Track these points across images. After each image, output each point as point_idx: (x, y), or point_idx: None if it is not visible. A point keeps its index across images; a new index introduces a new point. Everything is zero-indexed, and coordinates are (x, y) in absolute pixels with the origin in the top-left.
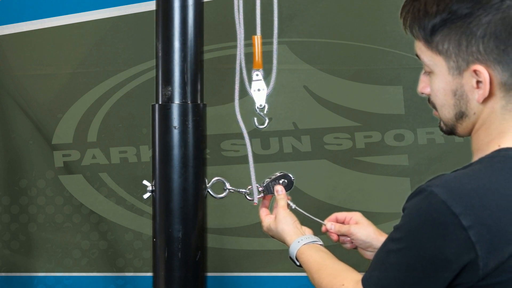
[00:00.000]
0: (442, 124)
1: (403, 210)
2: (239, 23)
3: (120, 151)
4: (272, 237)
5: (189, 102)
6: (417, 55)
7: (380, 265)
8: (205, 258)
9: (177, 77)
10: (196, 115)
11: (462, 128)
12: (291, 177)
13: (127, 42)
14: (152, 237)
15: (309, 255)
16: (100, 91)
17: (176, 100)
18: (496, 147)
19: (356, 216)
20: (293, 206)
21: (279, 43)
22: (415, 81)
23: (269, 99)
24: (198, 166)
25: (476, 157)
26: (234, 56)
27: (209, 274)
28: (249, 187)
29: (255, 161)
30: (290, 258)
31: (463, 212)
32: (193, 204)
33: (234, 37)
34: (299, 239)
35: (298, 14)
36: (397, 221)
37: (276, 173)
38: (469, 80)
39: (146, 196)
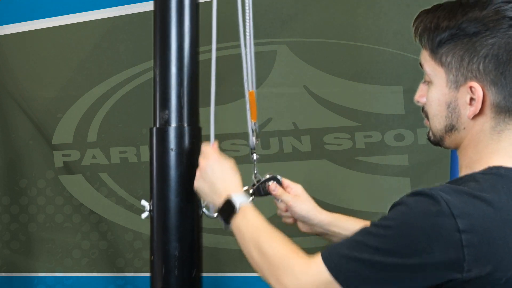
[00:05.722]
0: (430, 134)
1: (396, 204)
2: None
3: (120, 151)
4: (200, 178)
5: (185, 125)
6: (420, 64)
7: (352, 244)
8: (200, 275)
9: (173, 101)
10: (192, 137)
11: (450, 140)
12: (279, 178)
13: (127, 42)
14: (150, 255)
15: (257, 214)
16: (100, 91)
17: (173, 123)
18: (485, 166)
19: (297, 188)
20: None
21: (279, 43)
22: (415, 81)
23: (269, 99)
24: (194, 187)
25: (464, 173)
26: (233, 57)
27: (206, 274)
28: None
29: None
30: (223, 208)
31: (461, 215)
32: (189, 223)
33: (233, 37)
34: (244, 195)
35: (298, 14)
36: None
37: (266, 175)
38: (464, 95)
39: (144, 215)
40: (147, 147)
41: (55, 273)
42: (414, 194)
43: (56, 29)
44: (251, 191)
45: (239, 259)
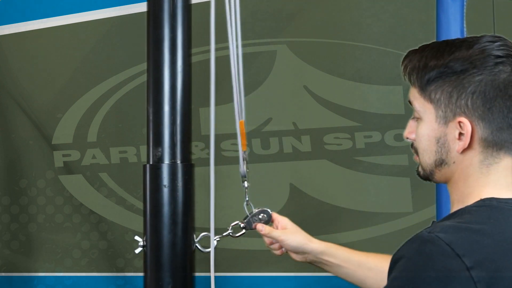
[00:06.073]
0: (420, 169)
1: (397, 259)
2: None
3: (120, 151)
4: None
5: (178, 162)
6: (409, 102)
7: None
8: None
9: (166, 139)
10: (185, 174)
11: (440, 174)
12: (269, 212)
13: (127, 42)
14: None
15: None
16: (100, 91)
17: (166, 160)
18: (477, 199)
19: (284, 221)
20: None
21: (279, 43)
22: None
23: (269, 99)
24: (186, 222)
25: (456, 207)
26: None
27: (207, 274)
28: (232, 224)
29: (255, 161)
30: None
31: (465, 254)
32: (182, 258)
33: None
34: None
35: (298, 14)
36: (396, 221)
37: (255, 210)
38: (452, 130)
39: (137, 251)
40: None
41: (55, 273)
42: (413, 241)
43: (56, 29)
44: (242, 225)
45: (244, 259)
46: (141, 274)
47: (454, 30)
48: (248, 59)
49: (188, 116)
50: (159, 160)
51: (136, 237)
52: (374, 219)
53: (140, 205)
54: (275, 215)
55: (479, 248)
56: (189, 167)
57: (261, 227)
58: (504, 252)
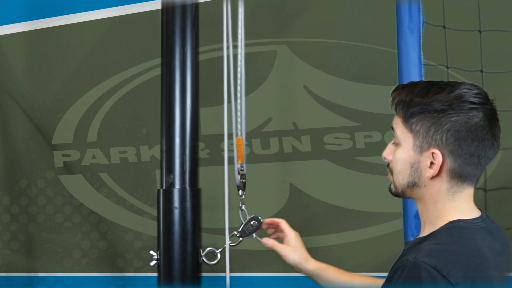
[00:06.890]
0: (392, 186)
1: (389, 286)
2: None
3: (120, 151)
4: None
5: (187, 187)
6: (392, 128)
7: None
8: None
9: (177, 167)
10: (193, 197)
11: (411, 193)
12: (259, 218)
13: (127, 42)
14: None
15: None
16: (100, 91)
17: (177, 185)
18: (446, 221)
19: (292, 238)
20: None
21: (279, 43)
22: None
23: (269, 99)
24: (194, 239)
25: (428, 228)
26: (235, 57)
27: (207, 274)
28: (230, 235)
29: (255, 161)
30: None
31: (449, 273)
32: (191, 270)
33: (234, 38)
34: None
35: (298, 14)
36: (396, 221)
37: (247, 217)
38: (425, 159)
39: (152, 263)
40: (147, 147)
41: (55, 273)
42: (402, 269)
43: (56, 29)
44: (238, 235)
45: (244, 259)
46: (141, 274)
47: (413, 58)
48: (248, 59)
49: (196, 147)
50: (171, 185)
51: (151, 252)
52: (374, 219)
53: (140, 204)
54: (288, 230)
55: (459, 266)
56: (196, 191)
57: (266, 241)
58: (477, 267)
